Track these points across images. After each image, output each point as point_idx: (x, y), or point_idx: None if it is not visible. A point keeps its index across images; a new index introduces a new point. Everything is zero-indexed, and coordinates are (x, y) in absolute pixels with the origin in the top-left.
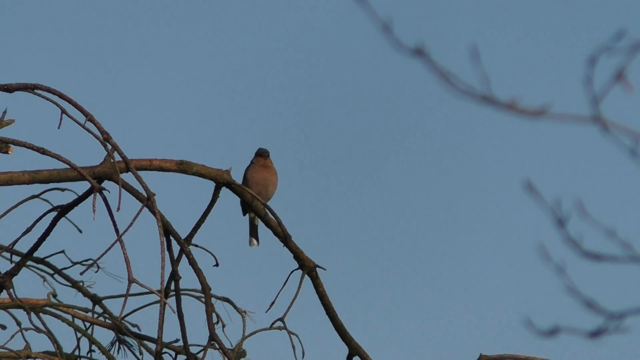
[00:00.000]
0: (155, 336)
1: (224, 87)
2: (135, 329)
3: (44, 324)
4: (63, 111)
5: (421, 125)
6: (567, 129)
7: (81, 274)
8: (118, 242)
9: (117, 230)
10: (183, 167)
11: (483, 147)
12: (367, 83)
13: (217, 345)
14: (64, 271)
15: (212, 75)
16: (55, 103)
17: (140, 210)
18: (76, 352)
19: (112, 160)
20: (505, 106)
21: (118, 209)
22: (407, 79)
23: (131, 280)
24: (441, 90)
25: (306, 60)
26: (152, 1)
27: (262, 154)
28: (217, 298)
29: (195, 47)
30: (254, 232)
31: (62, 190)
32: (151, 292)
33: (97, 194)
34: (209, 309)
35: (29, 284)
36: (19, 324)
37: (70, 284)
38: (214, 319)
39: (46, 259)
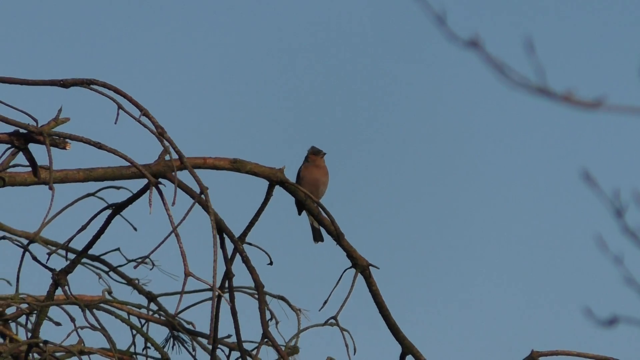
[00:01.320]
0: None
1: (278, 86)
2: (190, 326)
3: (98, 320)
4: (119, 106)
5: (477, 118)
6: (623, 121)
7: (135, 267)
8: (172, 238)
9: (172, 222)
10: (237, 166)
11: (539, 139)
12: (421, 76)
13: (270, 342)
14: (119, 269)
15: (265, 74)
16: (111, 98)
17: (194, 203)
18: (131, 349)
19: (167, 158)
20: (561, 98)
21: (173, 203)
22: (462, 70)
23: (187, 274)
24: (496, 82)
25: (353, 53)
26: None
27: (316, 153)
28: (272, 296)
29: (253, 46)
30: (317, 235)
31: (118, 188)
32: (206, 289)
33: (154, 188)
34: (262, 306)
35: (84, 282)
36: (73, 320)
37: (125, 282)
38: (268, 316)
39: (101, 257)
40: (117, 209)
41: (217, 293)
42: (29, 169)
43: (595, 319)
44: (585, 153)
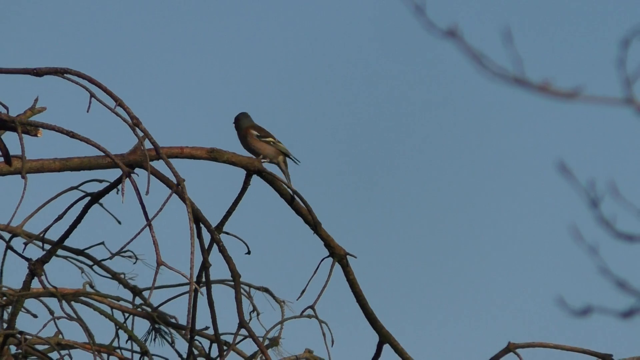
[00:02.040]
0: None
1: (255, 76)
2: (172, 320)
3: (75, 312)
4: (92, 95)
5: (454, 107)
6: (600, 111)
7: (111, 258)
8: (148, 226)
9: (145, 213)
10: (214, 155)
11: (515, 129)
12: (398, 65)
13: (247, 333)
14: (103, 263)
15: (243, 64)
16: (84, 87)
17: (170, 195)
18: (115, 342)
19: (142, 148)
20: (538, 88)
21: (147, 193)
22: (440, 61)
23: (159, 263)
24: (474, 72)
25: (332, 48)
26: None
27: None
28: (255, 288)
29: (228, 35)
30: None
31: (100, 181)
32: (183, 283)
33: (127, 178)
34: (239, 296)
35: (68, 276)
36: (51, 312)
37: (110, 276)
38: (250, 308)
39: (85, 251)
40: (94, 198)
41: (193, 284)
42: (2, 159)
43: (568, 309)
44: (561, 143)
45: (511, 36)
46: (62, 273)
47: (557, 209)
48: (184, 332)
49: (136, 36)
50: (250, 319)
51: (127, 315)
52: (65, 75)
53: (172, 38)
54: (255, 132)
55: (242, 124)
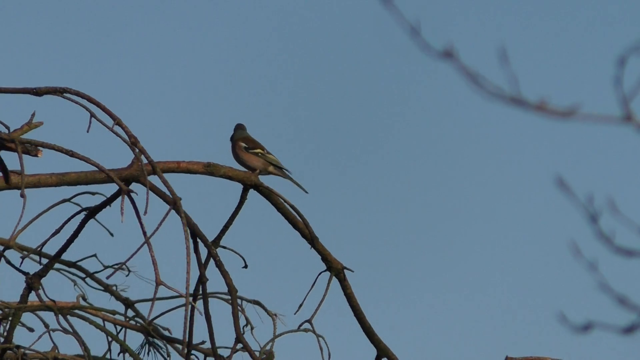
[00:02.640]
0: (187, 339)
1: (252, 90)
2: (166, 332)
3: (71, 326)
4: (92, 115)
5: (451, 127)
6: (597, 129)
7: (107, 277)
8: (146, 245)
9: (144, 233)
10: (210, 170)
11: (514, 147)
12: (395, 86)
13: (244, 348)
14: (96, 275)
15: (239, 79)
16: (83, 106)
17: (167, 214)
18: (107, 355)
19: (139, 164)
20: (535, 107)
21: (145, 212)
22: (435, 81)
23: (159, 283)
24: (470, 92)
25: (332, 61)
26: (178, 3)
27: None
28: (248, 301)
29: (225, 51)
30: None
31: (93, 194)
32: (178, 295)
33: (125, 196)
34: (235, 311)
35: (60, 289)
36: (46, 326)
37: (102, 288)
38: (244, 322)
39: (78, 263)
40: (91, 213)
41: (189, 302)
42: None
43: (569, 324)
44: (559, 161)
45: (507, 55)
46: (54, 285)
47: (556, 224)
48: (179, 345)
49: (132, 48)
50: (243, 333)
51: (119, 328)
52: (64, 94)
53: (168, 51)
54: (243, 144)
55: (234, 136)
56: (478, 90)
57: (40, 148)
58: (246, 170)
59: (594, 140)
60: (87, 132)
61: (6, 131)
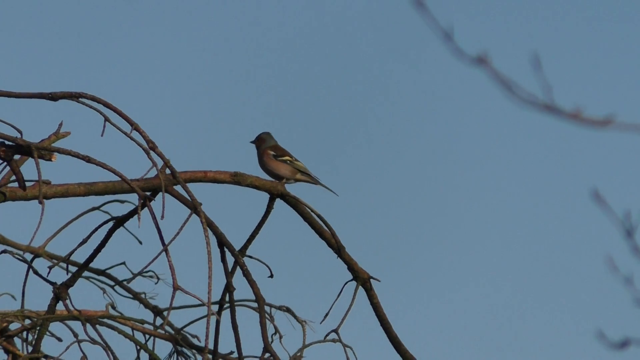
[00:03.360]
0: (210, 348)
1: (280, 100)
2: (195, 340)
3: (100, 335)
4: (107, 119)
5: (483, 134)
6: (634, 139)
7: (128, 281)
8: (175, 250)
9: (162, 239)
10: (237, 179)
11: (548, 157)
12: (430, 92)
13: (272, 357)
14: (125, 283)
15: (266, 87)
16: (99, 112)
17: (188, 219)
18: None
19: (162, 172)
20: (570, 116)
21: (162, 217)
22: (468, 87)
23: (176, 288)
24: (503, 99)
25: (358, 67)
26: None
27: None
28: (277, 308)
29: (252, 60)
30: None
31: (122, 202)
32: (212, 302)
33: (144, 204)
34: (263, 320)
35: (89, 296)
36: (75, 335)
37: (131, 296)
38: (272, 330)
39: (107, 271)
40: (119, 222)
41: (211, 309)
42: (30, 183)
43: (607, 341)
44: (595, 172)
45: (540, 62)
46: (83, 293)
47: (592, 239)
48: (209, 355)
49: (157, 58)
50: (272, 341)
51: (147, 337)
52: (80, 99)
53: (194, 61)
54: (271, 152)
55: (262, 145)
56: (511, 97)
57: (55, 153)
58: (273, 179)
59: (631, 150)
60: (101, 136)
61: (19, 135)
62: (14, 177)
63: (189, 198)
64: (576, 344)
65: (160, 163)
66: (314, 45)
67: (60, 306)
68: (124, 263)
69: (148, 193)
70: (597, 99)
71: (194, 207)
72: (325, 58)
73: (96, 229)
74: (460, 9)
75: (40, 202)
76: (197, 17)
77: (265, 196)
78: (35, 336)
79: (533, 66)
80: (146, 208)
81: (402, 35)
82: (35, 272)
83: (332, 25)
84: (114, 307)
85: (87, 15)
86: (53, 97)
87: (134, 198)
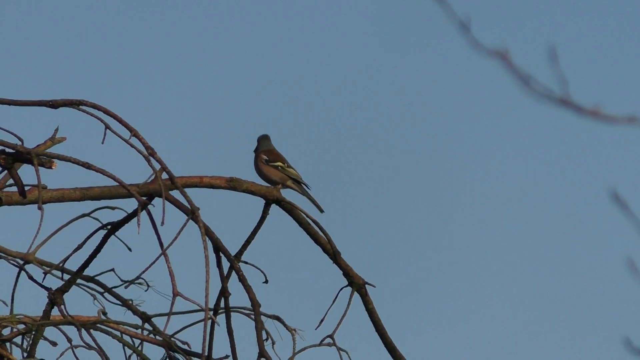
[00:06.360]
0: (206, 354)
1: (275, 102)
2: (185, 346)
3: (94, 340)
4: (107, 127)
5: (499, 129)
6: None
7: (126, 287)
8: (163, 257)
9: (161, 245)
10: (233, 185)
11: (564, 153)
12: (444, 83)
13: None
14: (114, 289)
15: (261, 93)
16: (99, 119)
17: (185, 224)
18: None
19: (160, 177)
20: (589, 112)
21: (162, 223)
22: (482, 80)
23: (175, 294)
24: (520, 93)
25: (363, 72)
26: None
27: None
28: (267, 316)
29: (249, 63)
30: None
31: (113, 208)
32: (199, 309)
33: (143, 209)
34: (259, 326)
35: (79, 303)
36: (69, 340)
37: (120, 302)
38: (264, 336)
39: (96, 277)
40: (113, 229)
41: (209, 314)
42: (26, 188)
43: (633, 348)
44: (614, 171)
45: (556, 56)
46: (73, 299)
47: (612, 240)
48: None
49: (153, 63)
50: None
51: (138, 342)
52: (80, 107)
53: (193, 65)
54: (264, 157)
55: (258, 147)
56: (528, 91)
57: (55, 160)
58: (267, 182)
59: None
60: (102, 143)
61: (20, 143)
62: (10, 182)
63: (185, 203)
64: (601, 352)
65: (158, 168)
66: (315, 45)
67: (54, 312)
68: (113, 270)
69: (144, 198)
70: (615, 94)
71: (191, 212)
72: (325, 58)
73: (90, 236)
74: (477, 1)
75: (40, 209)
76: (195, 24)
77: (261, 201)
78: (30, 341)
79: (549, 59)
80: (145, 213)
81: (416, 29)
82: (31, 278)
83: (332, 26)
84: (104, 313)
85: (85, 22)
86: (53, 104)
87: (126, 204)
